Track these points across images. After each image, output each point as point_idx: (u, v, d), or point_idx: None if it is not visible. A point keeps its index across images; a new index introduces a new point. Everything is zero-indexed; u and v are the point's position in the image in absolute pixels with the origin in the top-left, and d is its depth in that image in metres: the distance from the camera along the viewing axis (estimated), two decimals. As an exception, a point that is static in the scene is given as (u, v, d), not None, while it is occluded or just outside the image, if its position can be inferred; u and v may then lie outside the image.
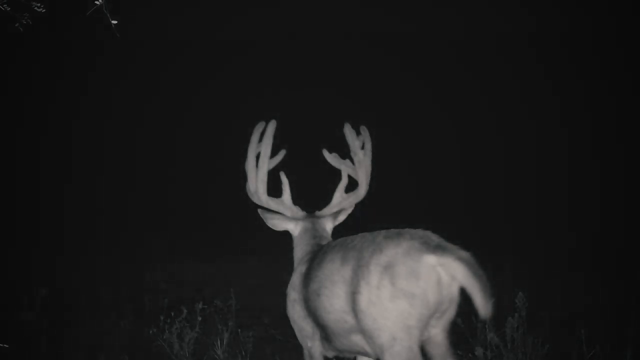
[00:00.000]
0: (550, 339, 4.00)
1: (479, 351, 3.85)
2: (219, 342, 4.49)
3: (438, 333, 2.85)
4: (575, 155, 13.08)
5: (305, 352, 3.22)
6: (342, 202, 3.55)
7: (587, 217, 10.03)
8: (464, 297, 2.72)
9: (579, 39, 14.37)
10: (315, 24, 16.04)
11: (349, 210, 3.61)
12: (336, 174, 3.55)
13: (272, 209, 3.48)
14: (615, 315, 5.22)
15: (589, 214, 10.30)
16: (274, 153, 3.45)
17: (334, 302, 2.87)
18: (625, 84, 13.52)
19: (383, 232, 2.90)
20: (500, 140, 14.49)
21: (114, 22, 2.81)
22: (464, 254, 2.71)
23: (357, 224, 3.21)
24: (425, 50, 15.76)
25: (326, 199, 3.55)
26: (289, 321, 3.27)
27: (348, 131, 3.57)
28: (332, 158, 3.55)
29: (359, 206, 3.49)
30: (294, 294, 3.21)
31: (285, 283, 3.34)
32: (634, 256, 7.10)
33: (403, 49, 15.74)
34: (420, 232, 2.86)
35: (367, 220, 3.34)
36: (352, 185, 3.56)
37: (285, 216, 3.49)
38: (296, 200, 3.51)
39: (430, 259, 2.68)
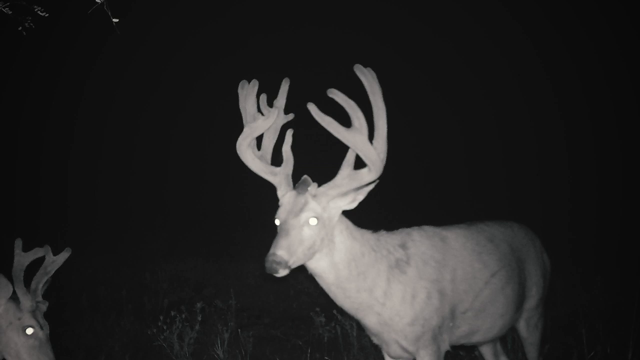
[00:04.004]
0: (550, 339, 4.00)
1: (479, 351, 3.85)
2: (219, 342, 4.49)
3: None
4: (575, 155, 13.06)
5: None
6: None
7: (587, 217, 10.01)
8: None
9: (578, 39, 14.37)
10: (315, 23, 16.05)
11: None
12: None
13: None
14: (615, 315, 5.22)
15: (589, 214, 10.27)
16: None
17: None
18: (625, 84, 13.51)
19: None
20: (500, 140, 14.49)
21: (115, 20, 2.81)
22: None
23: (360, 223, 3.20)
24: (425, 50, 15.77)
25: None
26: (289, 321, 3.28)
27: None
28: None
29: (360, 206, 3.49)
30: None
31: (285, 283, 3.34)
32: (634, 256, 7.08)
33: (403, 49, 15.75)
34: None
35: (368, 220, 3.33)
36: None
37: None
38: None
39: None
